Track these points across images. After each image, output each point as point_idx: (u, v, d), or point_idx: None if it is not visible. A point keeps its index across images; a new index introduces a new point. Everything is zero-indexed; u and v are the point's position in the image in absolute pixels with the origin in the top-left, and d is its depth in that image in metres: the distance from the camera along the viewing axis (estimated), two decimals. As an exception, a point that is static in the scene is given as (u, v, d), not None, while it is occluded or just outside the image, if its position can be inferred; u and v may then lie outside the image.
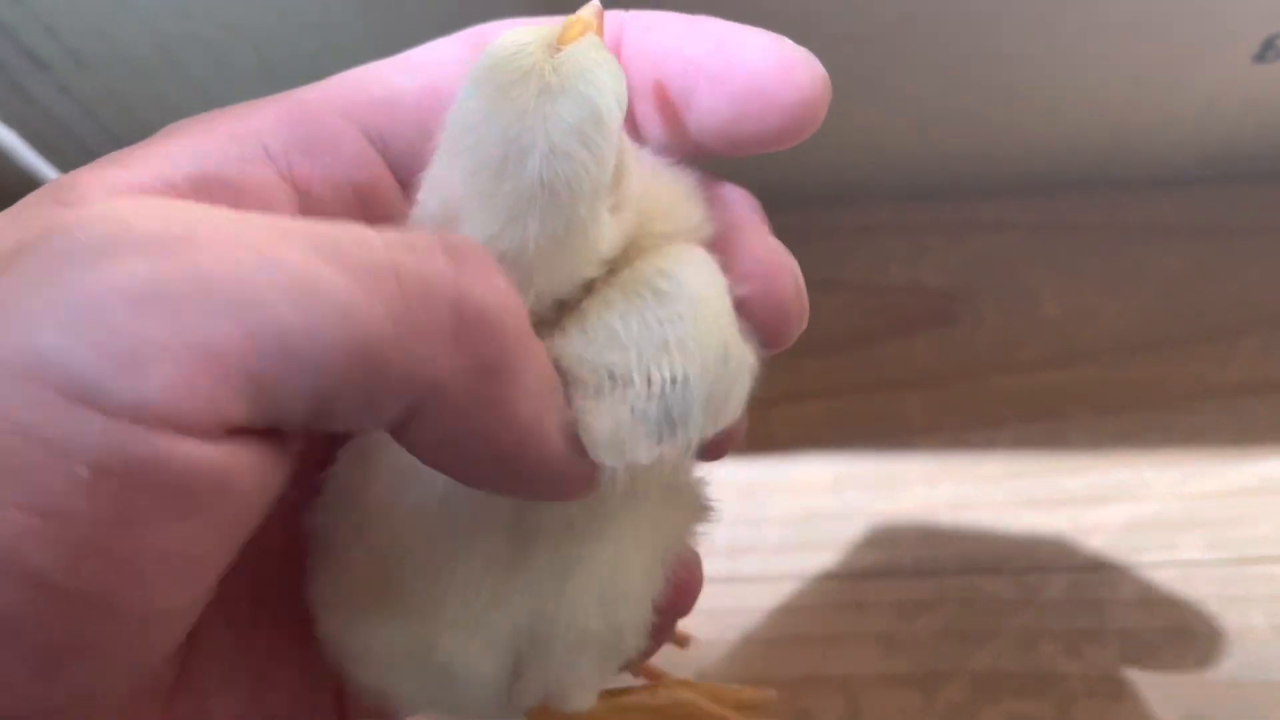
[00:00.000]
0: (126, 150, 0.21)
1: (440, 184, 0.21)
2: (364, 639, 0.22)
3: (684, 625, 0.28)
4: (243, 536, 0.18)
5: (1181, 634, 0.37)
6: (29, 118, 0.41)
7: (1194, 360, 0.42)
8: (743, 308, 0.22)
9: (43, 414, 0.16)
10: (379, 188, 0.23)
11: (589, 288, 0.21)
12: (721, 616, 0.38)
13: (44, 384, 0.16)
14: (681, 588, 0.24)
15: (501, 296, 0.19)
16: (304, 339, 0.17)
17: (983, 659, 0.37)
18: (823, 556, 0.39)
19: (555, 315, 0.21)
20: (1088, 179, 0.45)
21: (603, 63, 0.20)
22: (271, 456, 0.18)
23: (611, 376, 0.20)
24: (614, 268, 0.21)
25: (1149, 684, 0.36)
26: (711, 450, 0.23)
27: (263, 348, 0.17)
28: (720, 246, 0.22)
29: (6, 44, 0.37)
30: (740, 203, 0.24)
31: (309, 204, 0.22)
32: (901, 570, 0.39)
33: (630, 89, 0.21)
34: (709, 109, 0.22)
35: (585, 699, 0.24)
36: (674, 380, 0.21)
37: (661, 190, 0.23)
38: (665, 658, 0.28)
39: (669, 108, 0.23)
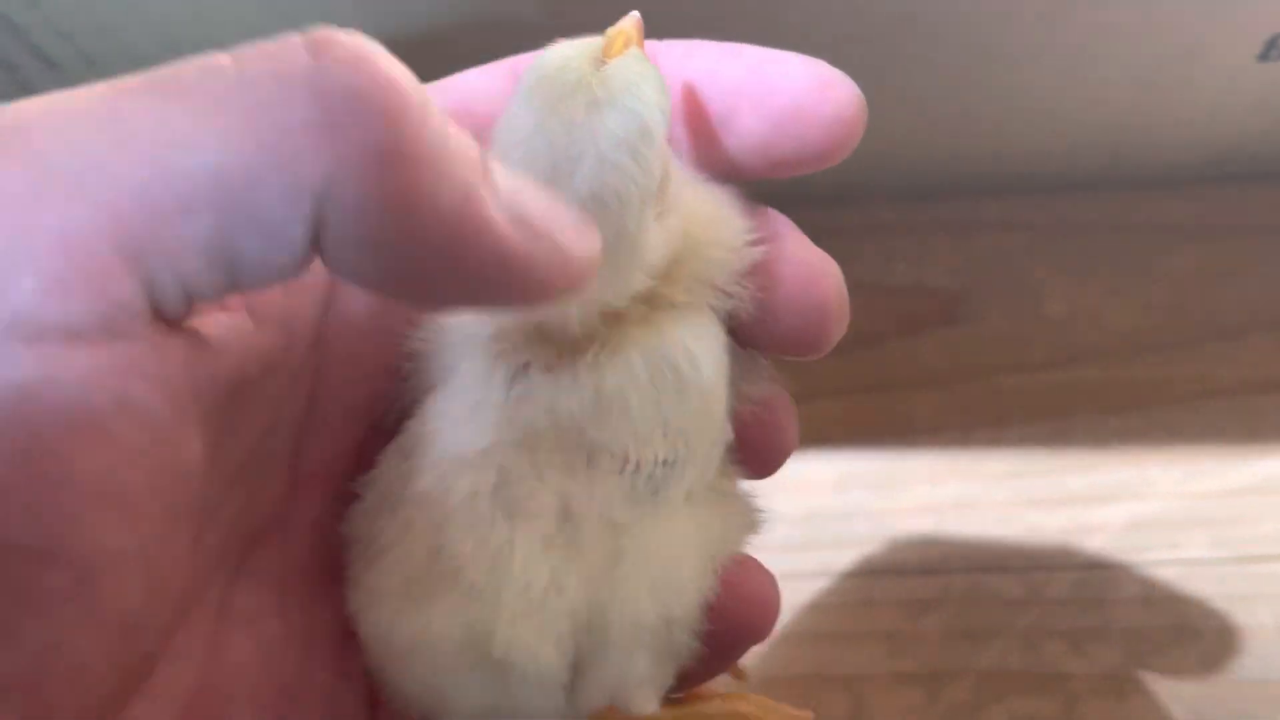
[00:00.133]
0: None
1: None
2: (415, 631, 0.21)
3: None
4: (177, 460, 0.18)
5: (1186, 632, 0.37)
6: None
7: (1199, 360, 0.42)
8: (785, 312, 0.23)
9: None
10: None
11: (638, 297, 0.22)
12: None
13: None
14: (752, 607, 0.24)
15: (377, 74, 0.17)
16: (166, 193, 0.16)
17: (988, 657, 0.37)
18: (828, 555, 0.39)
19: (604, 330, 0.21)
20: (1093, 179, 0.45)
21: (648, 75, 0.21)
22: (184, 354, 0.17)
23: (611, 454, 0.21)
24: (657, 286, 0.22)
25: (1154, 682, 0.36)
26: (760, 467, 0.24)
27: (129, 219, 0.16)
28: (762, 256, 0.23)
29: (18, 45, 0.37)
30: (778, 217, 0.24)
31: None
32: (906, 569, 0.39)
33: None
34: (749, 129, 0.23)
35: (648, 701, 0.23)
36: (665, 462, 0.22)
37: (702, 200, 0.23)
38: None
39: (705, 132, 0.23)
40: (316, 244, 0.17)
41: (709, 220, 0.23)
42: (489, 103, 0.23)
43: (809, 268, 0.23)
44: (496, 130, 0.21)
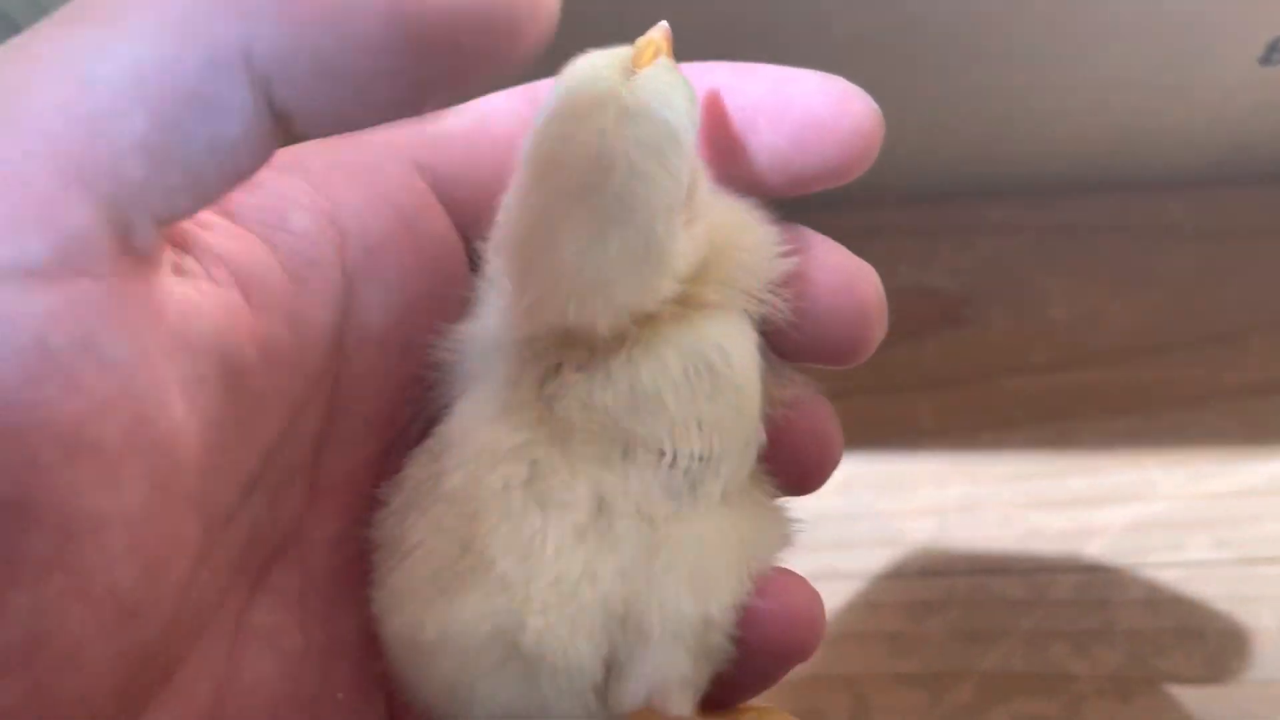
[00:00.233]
0: None
1: (521, 206, 0.21)
2: (443, 622, 0.21)
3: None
4: (155, 424, 0.17)
5: (1190, 634, 0.37)
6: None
7: (1202, 361, 0.42)
8: (825, 317, 0.23)
9: None
10: (424, 211, 0.23)
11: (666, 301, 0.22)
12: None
13: None
14: (797, 626, 0.23)
15: None
16: (91, 104, 0.16)
17: (991, 659, 0.37)
18: (831, 557, 0.39)
19: (636, 330, 0.21)
20: (1096, 181, 0.45)
21: (677, 85, 0.21)
22: (153, 304, 0.17)
23: (645, 445, 0.21)
24: (687, 291, 0.22)
25: (1157, 684, 0.36)
26: (805, 478, 0.24)
27: (64, 142, 0.16)
28: (796, 265, 0.23)
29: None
30: (802, 227, 0.24)
31: (343, 216, 0.22)
32: (910, 571, 0.39)
33: None
34: (768, 145, 0.23)
35: (686, 702, 0.22)
36: (701, 458, 0.22)
37: (729, 208, 0.23)
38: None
39: (725, 148, 0.23)
40: (273, 106, 0.17)
41: (736, 226, 0.23)
42: (505, 122, 0.23)
43: (846, 273, 0.23)
44: (527, 139, 0.21)
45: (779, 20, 0.34)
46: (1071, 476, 0.40)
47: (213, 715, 0.21)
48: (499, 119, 0.24)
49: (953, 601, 0.38)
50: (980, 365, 0.43)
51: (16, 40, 0.17)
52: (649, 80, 0.21)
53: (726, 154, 0.23)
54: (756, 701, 0.25)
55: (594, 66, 0.21)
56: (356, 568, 0.23)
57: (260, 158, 0.17)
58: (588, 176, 0.20)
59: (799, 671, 0.23)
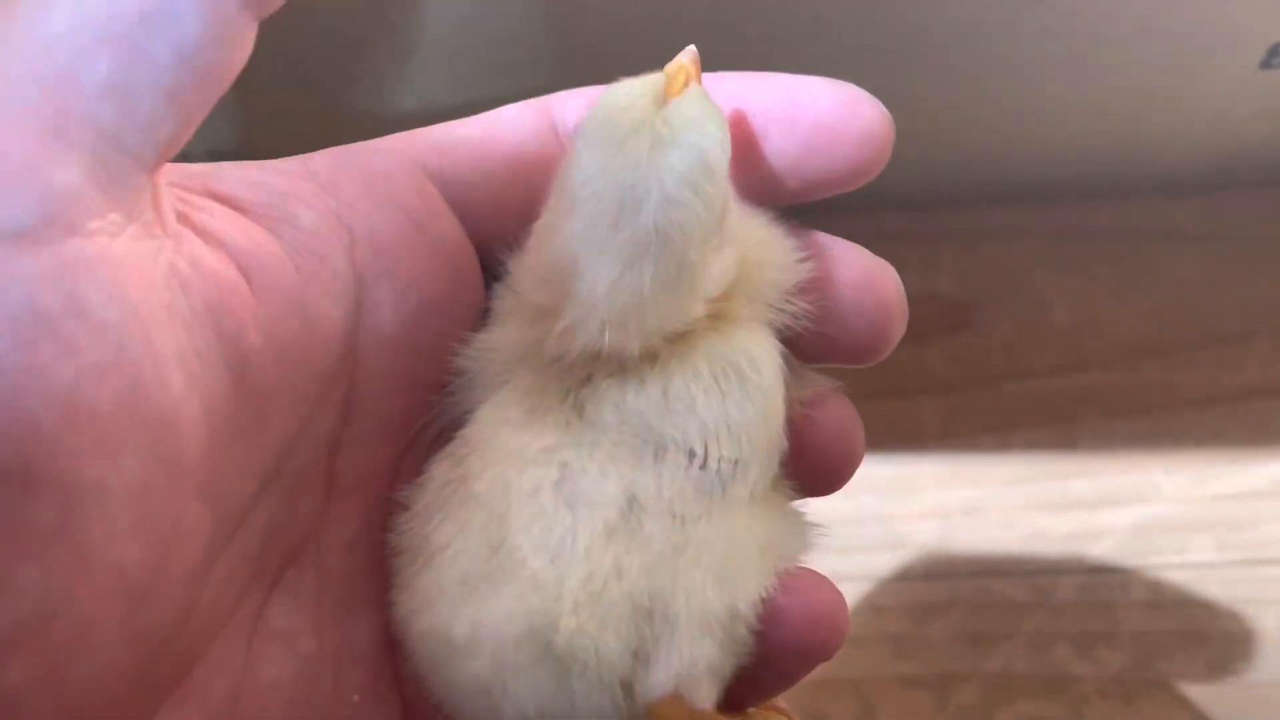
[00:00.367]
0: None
1: (557, 234, 0.21)
2: (476, 621, 0.21)
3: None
4: (152, 392, 0.17)
5: (1193, 636, 0.37)
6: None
7: (1204, 364, 0.42)
8: (848, 315, 0.23)
9: None
10: (434, 214, 0.23)
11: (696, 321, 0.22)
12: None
13: None
14: (821, 626, 0.23)
15: None
16: (56, 56, 0.17)
17: (995, 661, 0.37)
18: (835, 560, 0.39)
19: (663, 344, 0.22)
20: (1098, 186, 0.45)
21: (710, 113, 0.21)
22: (140, 268, 0.17)
23: (676, 444, 0.22)
24: (718, 307, 0.22)
25: (1161, 686, 0.36)
26: (826, 478, 0.24)
27: (37, 100, 0.16)
28: (816, 269, 0.23)
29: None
30: (817, 231, 0.24)
31: (351, 216, 0.22)
32: (914, 574, 0.39)
33: None
34: (780, 150, 0.23)
35: (712, 692, 0.22)
36: (732, 460, 0.22)
37: (752, 223, 0.23)
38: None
39: (738, 156, 0.23)
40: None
41: (761, 241, 0.23)
42: (516, 132, 0.24)
43: (867, 270, 0.23)
44: (562, 169, 0.21)
45: (787, 29, 0.34)
46: (1074, 479, 0.40)
47: (228, 716, 0.21)
48: (510, 128, 0.24)
49: (956, 604, 0.38)
50: (984, 369, 0.43)
51: None
52: (682, 109, 0.21)
53: (740, 161, 0.23)
54: (777, 702, 0.25)
55: (627, 95, 0.21)
56: (372, 571, 0.23)
57: (233, 48, 0.18)
58: (622, 206, 0.20)
59: (804, 674, 0.23)
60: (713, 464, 0.22)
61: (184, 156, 0.20)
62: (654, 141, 0.21)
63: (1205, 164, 0.43)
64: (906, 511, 0.40)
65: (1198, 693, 0.36)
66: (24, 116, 0.17)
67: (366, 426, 0.23)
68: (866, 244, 0.24)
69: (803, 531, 0.24)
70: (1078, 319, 0.43)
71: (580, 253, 0.21)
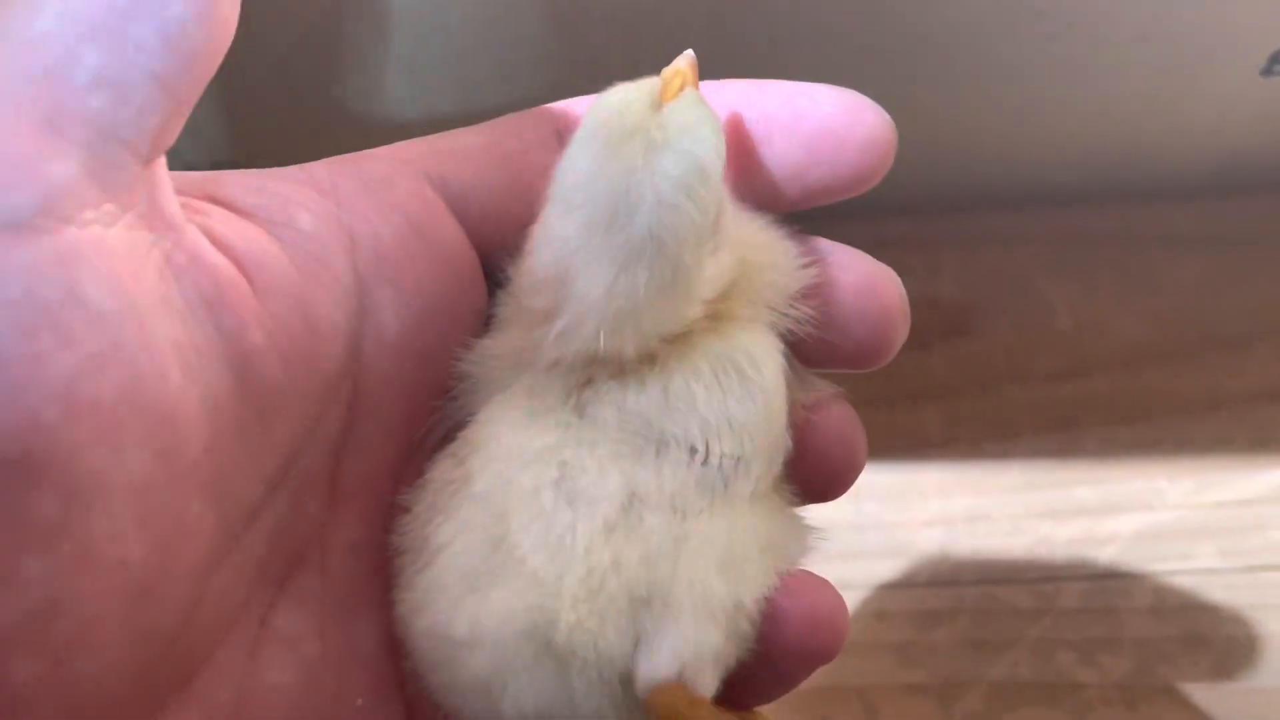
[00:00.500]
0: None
1: (553, 238, 0.21)
2: (476, 618, 0.21)
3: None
4: (152, 387, 0.17)
5: (1197, 642, 0.37)
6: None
7: (1207, 370, 0.42)
8: (851, 321, 0.23)
9: None
10: (435, 220, 0.23)
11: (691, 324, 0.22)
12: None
13: None
14: (821, 628, 0.23)
15: None
16: (46, 53, 0.17)
17: (999, 668, 0.37)
18: (840, 567, 0.39)
19: (661, 346, 0.22)
20: (1100, 191, 0.45)
21: (704, 118, 0.21)
22: (135, 258, 0.17)
23: (677, 441, 0.22)
24: (717, 308, 0.22)
25: (1164, 692, 0.36)
26: (827, 484, 0.24)
27: (30, 96, 0.16)
28: (818, 275, 0.23)
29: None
30: (819, 238, 0.24)
31: (352, 221, 0.22)
32: (918, 581, 0.39)
33: None
34: (782, 156, 0.23)
35: (715, 680, 0.22)
36: (734, 457, 0.22)
37: (752, 227, 0.24)
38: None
39: (741, 162, 0.24)
40: None
41: (761, 245, 0.23)
42: (517, 139, 0.24)
43: (869, 275, 0.23)
44: (557, 173, 0.21)
45: (789, 36, 0.34)
46: (1078, 486, 0.40)
47: (233, 716, 0.21)
48: (512, 136, 0.24)
49: (960, 611, 0.38)
50: (986, 375, 0.43)
51: None
52: (676, 114, 0.21)
53: (742, 168, 0.24)
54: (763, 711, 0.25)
55: (622, 100, 0.21)
56: (375, 575, 0.23)
57: (217, 29, 0.18)
58: (617, 210, 0.20)
59: (808, 681, 0.23)
60: (714, 460, 0.22)
61: (188, 166, 0.20)
62: (648, 146, 0.21)
63: (1207, 169, 0.43)
64: (909, 518, 0.40)
65: (1201, 698, 0.36)
66: (18, 112, 0.17)
67: (370, 430, 0.23)
68: (868, 249, 0.24)
69: (803, 535, 0.25)
70: (1080, 324, 0.43)
71: (575, 257, 0.21)
